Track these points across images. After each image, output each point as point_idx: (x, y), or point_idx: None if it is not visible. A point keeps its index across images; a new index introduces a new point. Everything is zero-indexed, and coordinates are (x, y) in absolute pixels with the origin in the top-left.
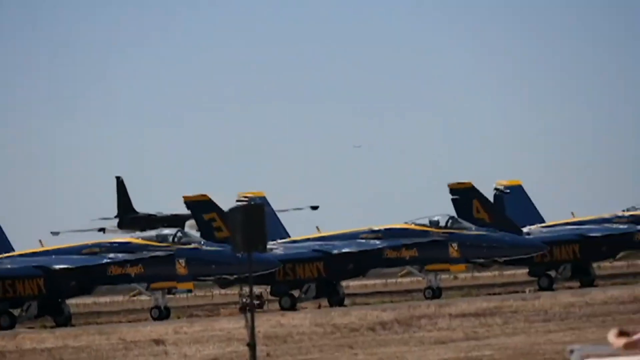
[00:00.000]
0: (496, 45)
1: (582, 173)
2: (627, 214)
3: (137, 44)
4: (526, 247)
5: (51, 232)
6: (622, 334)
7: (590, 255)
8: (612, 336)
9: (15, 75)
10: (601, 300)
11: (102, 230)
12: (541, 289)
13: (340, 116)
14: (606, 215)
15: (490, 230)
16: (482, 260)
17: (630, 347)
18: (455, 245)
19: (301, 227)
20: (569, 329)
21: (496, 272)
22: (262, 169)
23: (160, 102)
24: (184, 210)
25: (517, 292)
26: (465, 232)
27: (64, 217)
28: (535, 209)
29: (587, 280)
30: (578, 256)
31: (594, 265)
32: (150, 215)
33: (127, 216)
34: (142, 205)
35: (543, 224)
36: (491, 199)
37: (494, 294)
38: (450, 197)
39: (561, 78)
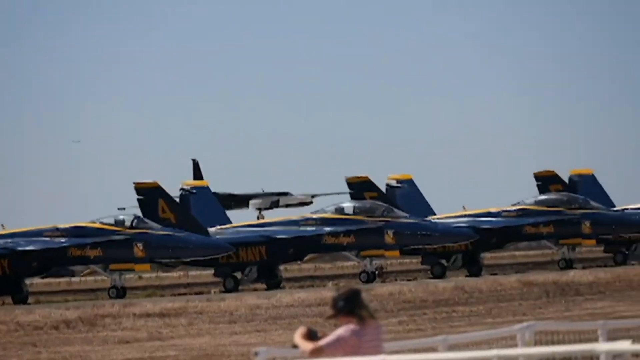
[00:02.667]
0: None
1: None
2: (314, 216)
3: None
4: (212, 248)
5: (118, 208)
6: (309, 335)
7: (277, 257)
8: (298, 337)
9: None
10: (287, 303)
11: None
12: (227, 290)
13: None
14: (314, 216)
15: (175, 231)
16: (167, 260)
17: (316, 354)
18: (140, 245)
19: None
20: (254, 330)
21: (181, 273)
22: None
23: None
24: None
25: (202, 293)
26: (150, 231)
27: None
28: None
29: (274, 282)
30: (265, 257)
31: (281, 267)
32: (219, 194)
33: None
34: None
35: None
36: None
37: (179, 294)
38: (136, 196)
39: (459, 71)
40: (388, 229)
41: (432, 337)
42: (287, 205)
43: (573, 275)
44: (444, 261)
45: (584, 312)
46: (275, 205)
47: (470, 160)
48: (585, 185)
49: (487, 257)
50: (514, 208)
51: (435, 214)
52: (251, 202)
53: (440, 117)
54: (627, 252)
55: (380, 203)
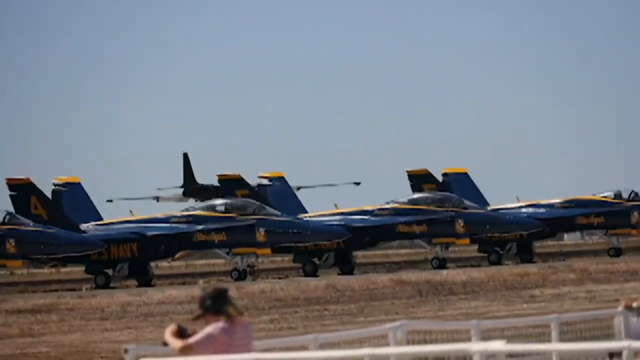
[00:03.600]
0: None
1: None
2: (185, 213)
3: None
4: (83, 245)
5: (107, 200)
6: (179, 332)
7: (149, 254)
8: (168, 334)
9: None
10: (158, 300)
11: (157, 199)
12: (98, 286)
13: None
14: (185, 213)
15: (46, 227)
16: (38, 257)
17: (186, 352)
18: (12, 241)
19: None
20: (125, 327)
21: (53, 269)
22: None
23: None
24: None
25: (74, 289)
26: (22, 227)
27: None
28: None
29: (145, 279)
30: (136, 254)
31: (152, 264)
32: (209, 185)
33: (191, 187)
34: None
35: None
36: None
37: (51, 290)
38: (9, 193)
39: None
40: (259, 226)
41: (303, 336)
42: None
43: (446, 274)
44: (316, 259)
45: (458, 312)
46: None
47: (344, 159)
48: (459, 184)
49: (360, 255)
50: (387, 206)
51: (307, 212)
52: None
53: (312, 115)
54: (501, 252)
55: (252, 201)
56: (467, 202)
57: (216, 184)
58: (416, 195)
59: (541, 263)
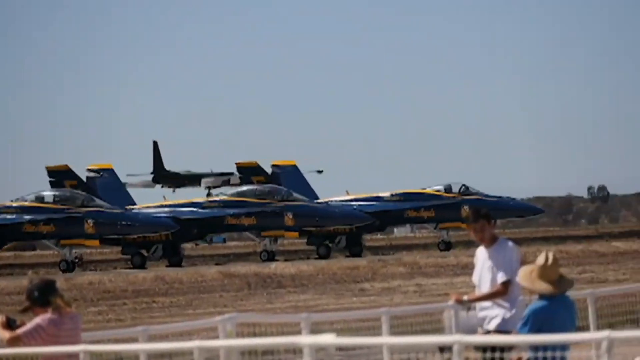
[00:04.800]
0: None
1: None
2: (14, 204)
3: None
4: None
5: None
6: (7, 324)
7: None
8: None
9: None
10: None
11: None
12: None
13: None
14: (14, 204)
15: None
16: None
17: (14, 343)
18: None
19: None
20: None
21: None
22: None
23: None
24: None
25: None
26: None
27: None
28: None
29: None
30: None
31: None
32: (177, 173)
33: (160, 174)
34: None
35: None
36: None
37: None
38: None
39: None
40: (88, 218)
41: (132, 328)
42: (236, 184)
43: (275, 267)
44: (144, 251)
45: (287, 305)
46: (226, 183)
47: (177, 153)
48: (288, 177)
49: (188, 247)
50: (216, 199)
51: (135, 204)
52: (203, 180)
53: (132, 108)
54: (330, 245)
55: (80, 192)
56: (295, 195)
57: (184, 171)
58: (245, 188)
59: (371, 256)
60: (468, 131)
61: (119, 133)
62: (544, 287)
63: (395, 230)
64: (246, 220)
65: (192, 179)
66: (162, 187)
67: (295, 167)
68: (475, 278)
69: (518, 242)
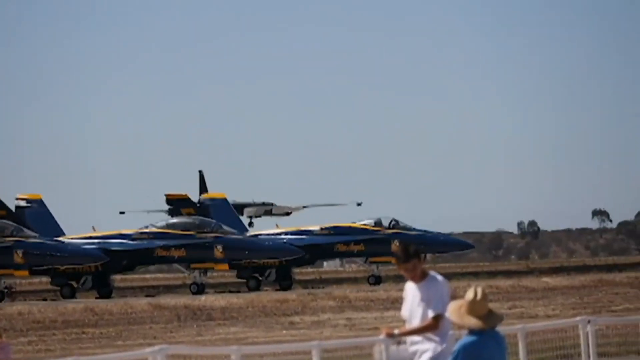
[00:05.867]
0: None
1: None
2: None
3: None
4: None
5: (119, 212)
6: None
7: None
8: None
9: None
10: None
11: (167, 212)
12: None
13: None
14: None
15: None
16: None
17: None
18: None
19: None
20: None
21: None
22: None
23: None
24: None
25: None
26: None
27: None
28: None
29: None
30: None
31: None
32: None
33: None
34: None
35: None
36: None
37: None
38: None
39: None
40: (17, 248)
41: (62, 359)
42: (277, 215)
43: (205, 299)
44: (73, 282)
45: (216, 337)
46: (268, 213)
47: (100, 182)
48: (218, 210)
49: (118, 279)
50: (146, 230)
51: (65, 235)
52: (245, 210)
53: (71, 141)
54: (260, 278)
55: (9, 222)
56: (225, 228)
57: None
58: (175, 220)
59: (300, 290)
60: (397, 165)
61: (165, 162)
62: (473, 322)
63: (325, 263)
64: (176, 252)
65: (235, 209)
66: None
67: (224, 199)
68: (405, 312)
69: (448, 276)
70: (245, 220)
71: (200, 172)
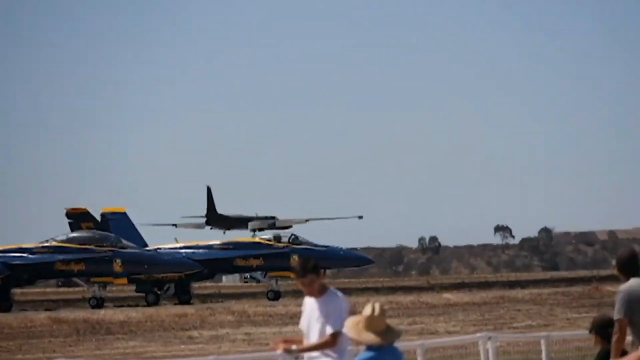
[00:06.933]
0: None
1: None
2: None
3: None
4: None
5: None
6: None
7: None
8: None
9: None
10: None
11: (175, 225)
12: None
13: None
14: None
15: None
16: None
17: None
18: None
19: None
20: None
21: None
22: None
23: None
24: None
25: None
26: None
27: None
28: None
29: None
30: None
31: None
32: (227, 216)
33: (213, 217)
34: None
35: None
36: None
37: None
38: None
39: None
40: None
41: None
42: (279, 228)
43: (104, 313)
44: None
45: (115, 351)
46: (271, 227)
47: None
48: (117, 224)
49: (18, 293)
50: (46, 244)
51: None
52: (250, 223)
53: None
54: (159, 292)
55: None
56: (125, 242)
57: (234, 215)
58: (75, 234)
59: (199, 304)
60: (296, 181)
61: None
62: (371, 337)
63: (224, 278)
64: (75, 266)
65: (241, 222)
66: (211, 228)
67: (124, 214)
68: (303, 326)
69: (348, 292)
70: (249, 233)
71: (208, 187)
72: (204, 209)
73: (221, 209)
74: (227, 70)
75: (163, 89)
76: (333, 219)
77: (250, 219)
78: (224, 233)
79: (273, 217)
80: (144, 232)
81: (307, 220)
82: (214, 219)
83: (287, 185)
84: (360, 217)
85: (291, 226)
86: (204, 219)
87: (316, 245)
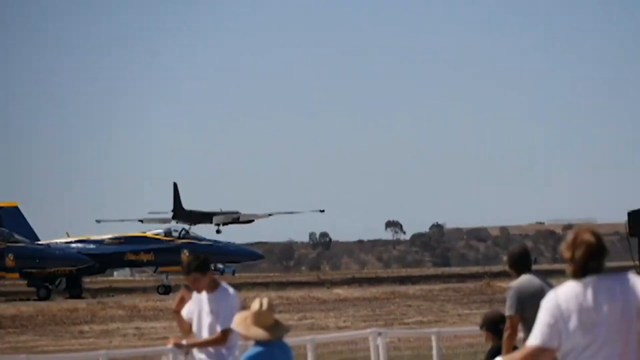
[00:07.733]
0: None
1: None
2: None
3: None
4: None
5: (96, 220)
6: None
7: None
8: None
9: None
10: None
11: (141, 221)
12: None
13: None
14: None
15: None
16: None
17: None
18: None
19: None
20: None
21: None
22: None
23: None
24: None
25: None
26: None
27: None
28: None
29: None
30: None
31: None
32: (192, 211)
33: (180, 212)
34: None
35: None
36: None
37: None
38: None
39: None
40: None
41: None
42: (243, 222)
43: None
44: None
45: (6, 346)
46: (235, 221)
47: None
48: (10, 218)
49: None
50: None
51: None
52: (214, 218)
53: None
54: (50, 287)
55: None
56: (17, 236)
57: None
58: None
59: (90, 299)
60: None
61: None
62: (259, 333)
63: (115, 273)
64: None
65: (205, 217)
66: (177, 222)
67: (17, 208)
68: (190, 319)
69: (238, 287)
70: (213, 227)
71: (174, 184)
72: (170, 204)
73: (187, 204)
74: (193, 67)
75: (132, 87)
76: (295, 212)
77: (215, 214)
78: (190, 227)
79: (237, 212)
80: (109, 228)
81: (270, 215)
82: (181, 214)
83: (250, 181)
84: (322, 211)
85: (254, 220)
86: (171, 214)
87: (206, 240)
